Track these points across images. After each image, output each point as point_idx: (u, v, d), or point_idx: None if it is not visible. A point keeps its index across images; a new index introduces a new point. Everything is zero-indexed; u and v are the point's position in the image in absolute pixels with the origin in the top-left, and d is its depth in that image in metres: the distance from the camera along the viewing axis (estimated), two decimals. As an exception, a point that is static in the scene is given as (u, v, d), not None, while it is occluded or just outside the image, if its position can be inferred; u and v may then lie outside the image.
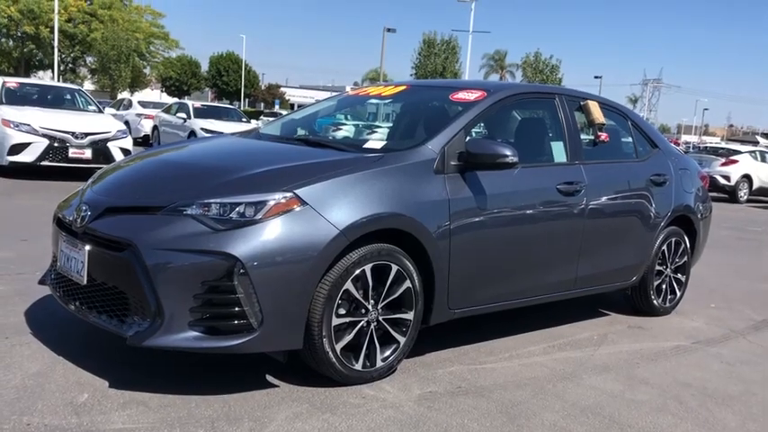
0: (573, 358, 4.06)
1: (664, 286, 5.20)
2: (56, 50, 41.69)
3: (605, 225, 4.52)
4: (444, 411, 3.11)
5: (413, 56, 41.70)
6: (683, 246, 5.26)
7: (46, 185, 9.76)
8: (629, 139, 5.05)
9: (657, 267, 5.08)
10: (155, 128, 20.20)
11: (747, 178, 19.32)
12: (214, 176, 3.24)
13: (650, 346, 4.45)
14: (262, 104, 75.33)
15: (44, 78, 50.56)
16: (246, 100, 76.92)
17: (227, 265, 2.87)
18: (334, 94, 4.97)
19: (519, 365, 3.84)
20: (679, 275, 5.32)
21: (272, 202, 3.00)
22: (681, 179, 5.20)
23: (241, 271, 2.87)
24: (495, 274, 3.88)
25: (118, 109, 23.73)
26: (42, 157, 10.28)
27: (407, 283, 3.40)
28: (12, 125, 10.31)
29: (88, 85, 60.45)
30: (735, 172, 19.14)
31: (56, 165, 10.41)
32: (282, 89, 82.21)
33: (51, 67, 50.76)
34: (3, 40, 52.92)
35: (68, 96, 12.56)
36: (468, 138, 3.77)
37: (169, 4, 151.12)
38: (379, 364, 3.37)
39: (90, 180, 3.71)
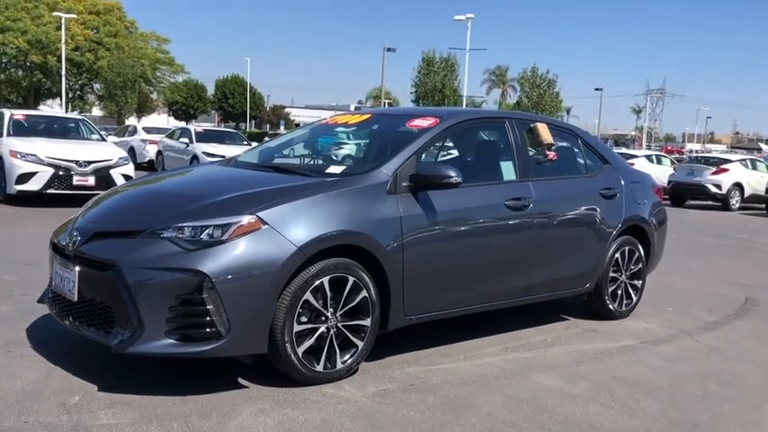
0: (523, 358, 4.46)
1: (619, 292, 5.59)
2: (63, 79, 42.60)
3: (555, 236, 4.93)
4: (393, 405, 3.52)
5: (413, 74, 42.18)
6: (637, 254, 5.66)
7: (51, 212, 10.25)
8: (579, 157, 5.48)
9: (612, 274, 5.47)
10: (159, 153, 20.76)
11: (739, 186, 19.64)
12: (188, 203, 3.69)
13: (599, 346, 4.85)
14: (267, 125, 76.09)
15: (53, 106, 51.58)
16: (252, 121, 77.94)
17: (198, 280, 3.31)
18: (321, 118, 5.41)
19: (471, 365, 4.24)
20: (635, 281, 5.71)
21: (236, 225, 3.44)
22: (632, 192, 5.61)
23: (209, 285, 3.31)
24: (447, 283, 4.29)
25: (123, 135, 24.35)
26: (48, 185, 10.81)
27: (364, 293, 3.82)
28: (19, 156, 10.86)
29: (96, 112, 61.51)
30: (726, 180, 19.48)
31: (61, 192, 10.92)
32: (287, 110, 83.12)
33: (60, 95, 51.77)
34: (12, 70, 54.00)
35: (73, 126, 13.13)
36: (418, 161, 4.20)
37: (174, 30, 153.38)
38: (340, 366, 3.79)
39: (82, 208, 4.17)
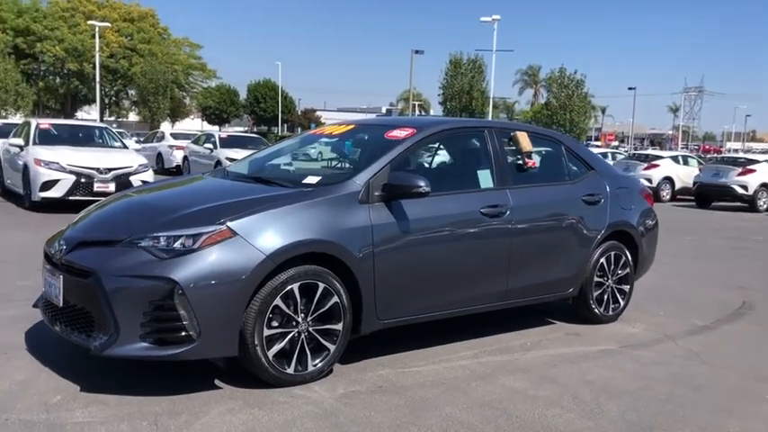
0: (497, 361, 4.58)
1: (605, 296, 5.66)
2: (98, 86, 43.64)
3: (534, 242, 5.04)
4: (357, 406, 3.68)
5: (440, 76, 42.21)
6: (624, 259, 5.73)
7: (73, 219, 10.60)
8: (562, 164, 5.57)
9: (597, 279, 5.56)
10: (185, 158, 21.24)
11: (766, 187, 19.34)
12: (166, 213, 3.90)
13: (577, 350, 4.94)
14: (299, 129, 76.75)
15: (90, 112, 52.83)
16: (285, 125, 78.74)
17: (169, 287, 3.51)
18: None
19: (444, 368, 4.38)
20: (622, 286, 5.78)
21: (206, 234, 3.64)
22: (618, 197, 5.69)
23: (179, 292, 3.51)
24: (421, 288, 4.44)
25: (151, 141, 24.94)
26: (70, 192, 11.20)
27: (335, 299, 3.99)
28: (42, 164, 11.28)
29: (132, 117, 62.87)
30: (753, 181, 19.21)
31: (83, 198, 11.30)
32: (318, 113, 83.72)
33: (96, 101, 53.07)
34: (50, 77, 55.55)
35: (96, 134, 13.55)
36: (391, 171, 4.35)
37: (206, 36, 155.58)
38: (311, 368, 3.96)
39: (74, 220, 4.42)
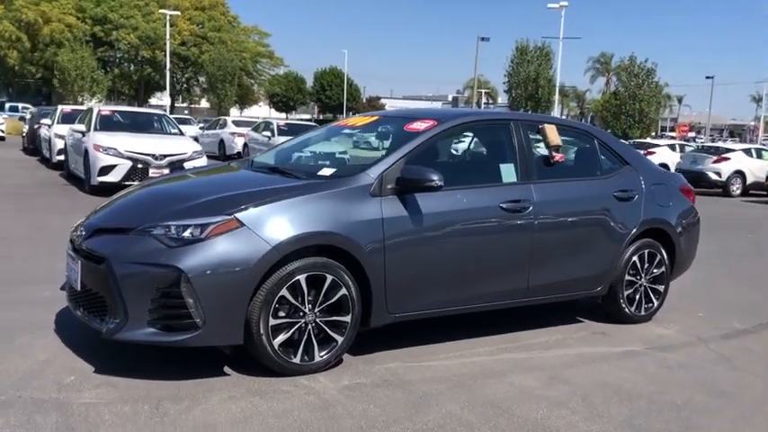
0: (513, 359, 4.51)
1: (638, 296, 5.48)
2: (167, 72, 44.85)
3: (558, 239, 4.92)
4: (358, 399, 3.69)
5: (505, 64, 41.61)
6: (658, 257, 5.53)
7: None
8: (594, 158, 5.41)
9: (628, 277, 5.38)
10: (245, 145, 21.67)
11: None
12: (178, 203, 3.98)
13: (600, 350, 4.81)
14: (364, 116, 76.91)
15: (162, 99, 54.42)
16: (350, 113, 79.24)
17: (175, 275, 3.60)
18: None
19: (456, 364, 4.34)
20: (656, 285, 5.58)
21: (214, 224, 3.70)
22: (653, 194, 5.49)
23: (185, 280, 3.59)
24: (435, 283, 4.40)
25: (214, 128, 25.51)
26: (127, 177, 11.58)
27: (343, 291, 4.00)
28: (101, 149, 11.69)
29: (205, 104, 64.47)
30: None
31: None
32: (383, 101, 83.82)
33: (165, 88, 54.64)
34: (125, 64, 57.48)
35: (154, 121, 13.95)
36: (406, 164, 4.31)
37: (275, 24, 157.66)
38: (318, 359, 3.99)
39: (97, 208, 4.56)
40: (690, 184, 6.17)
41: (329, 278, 3.95)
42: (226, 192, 4.10)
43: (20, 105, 42.76)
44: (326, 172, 4.41)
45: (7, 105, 43.48)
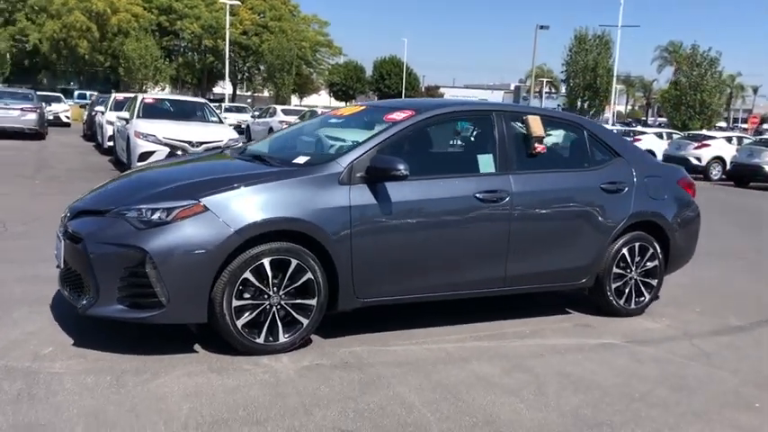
0: (482, 347, 4.57)
1: (627, 289, 5.44)
2: (227, 62, 45.84)
3: (538, 229, 4.94)
4: (312, 379, 3.83)
5: (563, 52, 40.80)
6: (651, 251, 5.46)
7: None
8: (582, 150, 5.38)
9: (617, 270, 5.35)
10: (292, 133, 22.01)
11: None
12: (154, 188, 4.20)
13: (576, 342, 4.82)
14: (422, 105, 76.88)
15: (225, 87, 55.65)
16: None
17: (141, 255, 3.81)
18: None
19: (423, 349, 4.44)
20: (648, 279, 5.53)
21: (179, 208, 3.90)
22: (646, 187, 5.42)
23: (150, 260, 3.80)
24: (405, 270, 4.49)
25: (265, 116, 26.03)
26: (164, 163, 11.99)
27: (309, 275, 4.15)
28: (141, 136, 12.15)
29: (267, 92, 65.65)
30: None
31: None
32: (442, 89, 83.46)
33: (229, 76, 55.82)
34: (189, 54, 58.98)
35: (197, 109, 14.37)
36: (377, 153, 4.41)
37: (335, 13, 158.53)
38: (282, 340, 4.15)
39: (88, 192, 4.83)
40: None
41: (294, 262, 4.10)
42: (199, 177, 4.29)
43: (88, 93, 44.50)
44: (301, 160, 4.54)
45: (76, 93, 45.30)
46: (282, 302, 4.13)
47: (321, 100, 70.81)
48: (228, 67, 52.69)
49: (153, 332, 4.28)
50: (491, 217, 4.73)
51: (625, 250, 5.35)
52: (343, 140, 4.99)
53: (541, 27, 46.45)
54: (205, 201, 3.94)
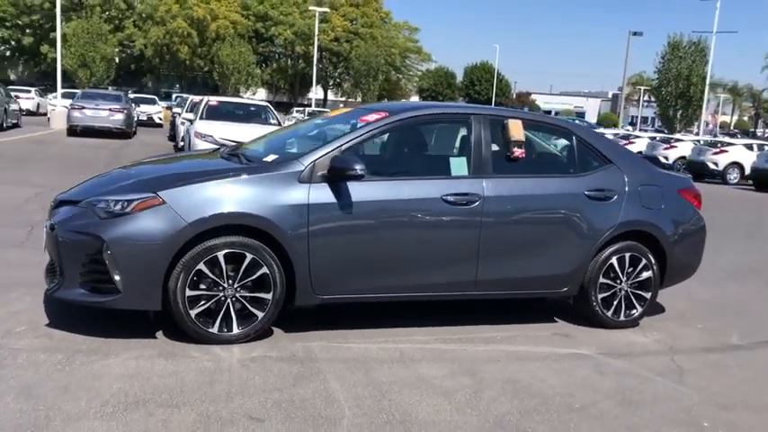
0: (440, 349, 4.56)
1: (616, 300, 5.27)
2: (314, 68, 46.92)
3: (513, 234, 4.87)
4: (250, 369, 3.96)
5: (655, 59, 39.36)
6: (644, 262, 5.27)
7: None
8: (568, 156, 5.26)
9: (604, 280, 5.19)
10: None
11: None
12: (125, 181, 4.45)
13: (544, 350, 4.72)
14: (513, 113, 75.98)
15: (318, 92, 57.01)
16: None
17: (99, 244, 4.06)
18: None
19: (378, 348, 4.48)
20: (641, 292, 5.33)
21: (137, 200, 4.12)
22: (639, 195, 5.24)
23: (107, 249, 4.04)
24: (366, 269, 4.55)
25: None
26: (219, 162, 12.49)
27: (264, 270, 4.28)
28: (200, 136, 12.72)
29: (359, 98, 66.78)
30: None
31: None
32: (534, 96, 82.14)
33: (319, 82, 57.15)
34: (282, 59, 60.77)
35: (260, 112, 14.88)
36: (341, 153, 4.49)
37: (426, 19, 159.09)
38: (236, 331, 4.30)
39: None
40: None
41: (249, 257, 4.24)
42: (161, 173, 4.53)
43: (185, 96, 46.58)
44: (270, 158, 4.69)
45: (174, 95, 47.50)
46: (238, 295, 4.28)
47: (410, 106, 71.15)
48: (319, 73, 53.98)
49: (127, 318, 4.51)
50: (460, 220, 4.71)
51: (614, 260, 5.19)
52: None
53: (634, 33, 45.03)
54: (163, 194, 4.15)
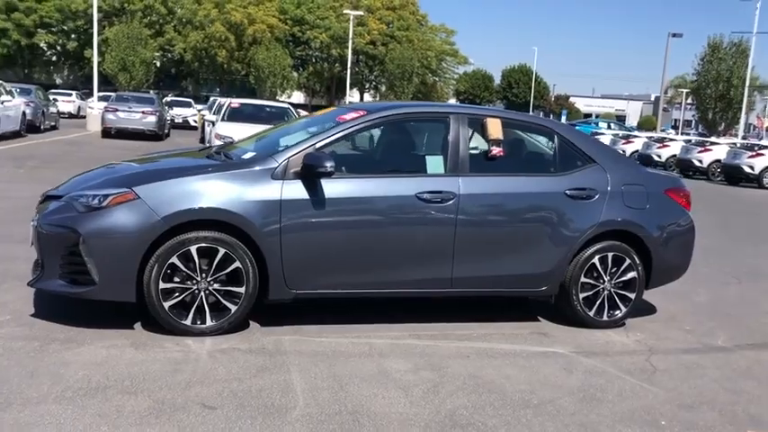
0: (412, 345, 4.61)
1: (599, 300, 5.25)
2: (348, 71, 47.18)
3: (489, 232, 4.90)
4: (217, 360, 4.07)
5: (693, 61, 38.61)
6: (627, 262, 5.24)
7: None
8: (549, 154, 5.26)
9: (585, 280, 5.17)
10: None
11: None
12: (104, 177, 4.62)
13: (518, 348, 4.73)
14: (550, 116, 75.30)
15: (354, 95, 57.35)
16: (540, 112, 77.88)
17: (76, 237, 4.22)
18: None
19: (349, 343, 4.55)
20: (625, 292, 5.29)
21: (112, 196, 4.27)
22: (623, 195, 5.22)
23: (83, 241, 4.20)
24: (339, 265, 4.63)
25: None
26: (238, 163, 12.72)
27: (237, 264, 4.40)
28: (220, 138, 12.92)
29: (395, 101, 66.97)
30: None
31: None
32: (573, 99, 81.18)
33: (355, 85, 57.50)
34: (318, 63, 61.25)
35: (279, 114, 15.07)
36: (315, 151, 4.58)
37: (463, 22, 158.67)
38: (209, 323, 4.42)
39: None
40: None
41: (221, 251, 4.36)
42: (138, 170, 4.68)
43: (221, 99, 47.40)
44: (248, 156, 4.81)
45: (211, 98, 48.29)
46: (211, 288, 4.40)
47: (447, 108, 71.00)
48: (355, 76, 54.24)
49: (108, 309, 4.66)
50: (435, 217, 4.76)
51: (596, 259, 5.17)
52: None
53: (674, 35, 44.14)
54: (137, 189, 4.29)
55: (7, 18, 51.05)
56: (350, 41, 46.95)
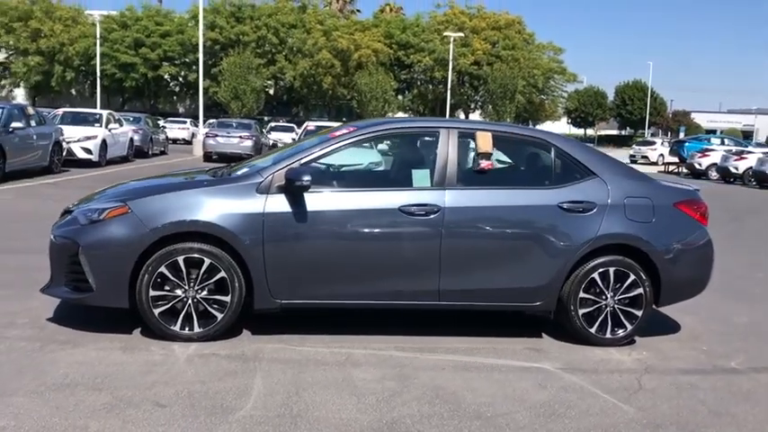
0: (391, 356, 4.65)
1: (602, 317, 5.08)
2: (448, 92, 47.33)
3: (477, 245, 4.88)
4: (194, 364, 4.30)
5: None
6: (632, 278, 5.05)
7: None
8: (544, 167, 5.17)
9: (585, 295, 5.03)
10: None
11: None
12: (109, 192, 5.02)
13: (501, 362, 4.66)
14: (668, 133, 72.06)
15: (460, 115, 57.36)
16: (659, 129, 74.73)
17: (76, 247, 4.61)
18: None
19: (329, 353, 4.66)
20: (632, 309, 5.10)
21: (108, 209, 4.64)
22: (625, 208, 5.05)
23: (81, 251, 4.58)
24: (323, 276, 4.76)
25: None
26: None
27: (222, 274, 4.64)
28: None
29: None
30: None
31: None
32: (693, 114, 77.21)
33: (459, 106, 57.65)
34: (422, 85, 61.92)
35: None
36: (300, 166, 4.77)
37: (573, 39, 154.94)
38: (197, 330, 4.68)
39: None
40: None
41: (207, 261, 4.62)
42: (138, 186, 5.05)
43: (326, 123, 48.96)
44: (240, 171, 5.07)
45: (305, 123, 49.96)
46: (198, 297, 4.66)
47: (555, 126, 69.54)
48: (458, 97, 54.30)
49: (119, 316, 4.98)
50: (419, 231, 4.81)
51: (596, 274, 5.02)
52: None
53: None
54: (130, 203, 4.64)
55: (136, 53, 55.10)
56: (450, 63, 47.15)
